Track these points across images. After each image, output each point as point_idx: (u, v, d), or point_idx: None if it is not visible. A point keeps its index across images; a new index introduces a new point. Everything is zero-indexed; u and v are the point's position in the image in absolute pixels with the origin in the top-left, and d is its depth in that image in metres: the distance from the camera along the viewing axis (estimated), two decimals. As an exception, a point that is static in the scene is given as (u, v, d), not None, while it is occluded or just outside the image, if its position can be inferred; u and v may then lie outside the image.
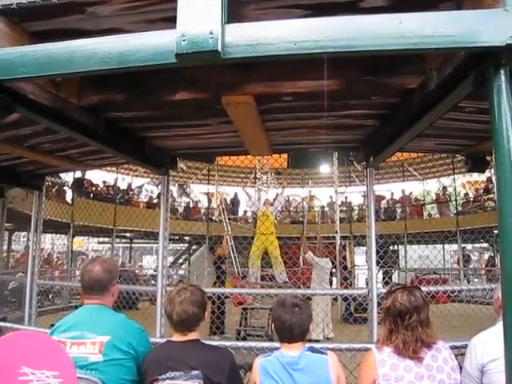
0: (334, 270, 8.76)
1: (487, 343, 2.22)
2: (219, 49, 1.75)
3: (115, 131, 3.31)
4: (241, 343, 3.27)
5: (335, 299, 10.11)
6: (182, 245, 21.82)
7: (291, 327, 2.14)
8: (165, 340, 2.38)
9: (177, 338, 2.19)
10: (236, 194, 20.33)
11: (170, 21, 1.86)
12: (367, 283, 4.09)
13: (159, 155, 4.10)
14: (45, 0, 2.05)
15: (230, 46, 1.79)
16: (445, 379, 2.06)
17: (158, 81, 2.72)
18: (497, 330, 2.09)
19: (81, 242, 19.12)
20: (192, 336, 2.17)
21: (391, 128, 3.09)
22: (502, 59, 1.75)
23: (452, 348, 2.31)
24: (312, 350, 2.18)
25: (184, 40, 1.79)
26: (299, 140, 3.86)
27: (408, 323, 2.11)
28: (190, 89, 2.74)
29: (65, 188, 15.10)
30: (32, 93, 2.46)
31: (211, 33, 1.77)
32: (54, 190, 13.74)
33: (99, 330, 2.11)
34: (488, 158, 4.00)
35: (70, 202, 14.69)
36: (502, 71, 1.76)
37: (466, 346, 2.43)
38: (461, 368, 2.28)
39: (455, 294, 12.36)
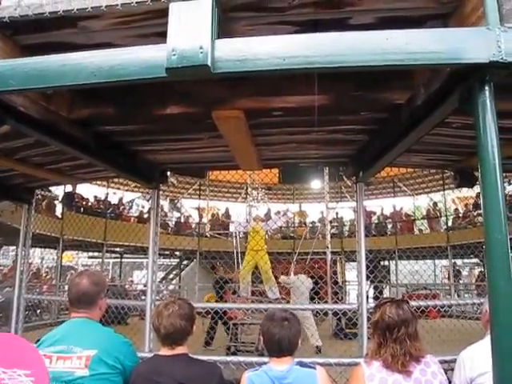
0: (314, 286, 8.88)
1: (476, 357, 2.22)
2: (209, 63, 1.78)
3: (106, 145, 3.32)
4: (229, 358, 3.25)
5: (325, 314, 10.10)
6: (172, 260, 21.67)
7: (280, 341, 2.13)
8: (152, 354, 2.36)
9: (164, 351, 2.17)
10: (227, 209, 20.28)
11: (162, 35, 1.89)
12: (358, 298, 4.09)
13: (150, 169, 4.10)
14: (37, 14, 2.07)
15: (220, 60, 1.82)
16: None
17: (148, 95, 2.74)
18: (485, 344, 2.09)
19: (70, 257, 18.92)
20: (180, 350, 2.15)
21: (380, 143, 3.13)
22: (486, 75, 1.80)
23: (441, 362, 2.31)
24: (301, 364, 2.16)
25: (174, 54, 1.81)
26: (289, 155, 3.89)
27: (396, 336, 2.11)
28: (181, 103, 2.76)
29: (55, 202, 14.97)
30: (22, 105, 2.47)
31: (201, 47, 1.80)
32: (43, 203, 13.62)
33: (86, 344, 2.08)
34: (476, 174, 4.05)
35: (59, 216, 14.54)
36: (486, 87, 1.81)
37: (455, 361, 2.43)
38: (450, 383, 2.28)
39: (445, 309, 12.41)
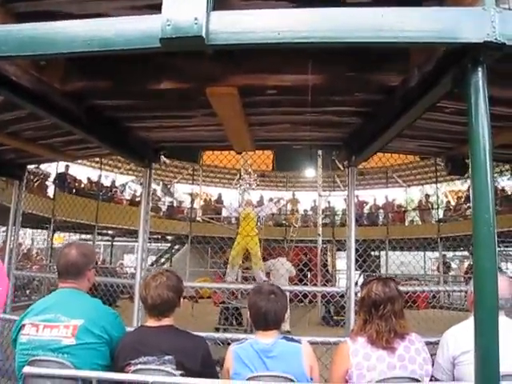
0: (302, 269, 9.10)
1: (459, 336, 2.26)
2: (203, 35, 1.77)
3: (99, 119, 3.30)
4: (217, 335, 3.27)
5: (314, 296, 10.26)
6: (164, 244, 21.70)
7: (266, 314, 2.15)
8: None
9: (151, 323, 2.18)
10: (220, 195, 20.29)
11: (155, 8, 1.87)
12: (346, 282, 4.12)
13: (143, 147, 4.08)
14: (30, -19, 2.04)
15: (215, 32, 1.80)
16: (416, 370, 2.09)
17: (143, 69, 2.72)
18: (469, 324, 2.13)
19: (61, 239, 18.85)
20: (166, 321, 2.16)
21: (373, 126, 3.14)
22: (479, 56, 1.80)
23: (427, 344, 2.34)
24: (286, 338, 2.19)
25: (169, 25, 1.80)
26: (283, 136, 3.88)
27: (382, 313, 2.14)
28: (175, 79, 2.74)
29: (47, 183, 14.89)
30: (14, 74, 2.44)
31: (196, 19, 1.78)
32: (35, 183, 13.54)
33: (73, 314, 2.08)
34: (467, 162, 4.08)
35: (51, 196, 14.47)
36: (479, 68, 1.81)
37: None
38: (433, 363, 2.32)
39: (436, 299, 12.53)
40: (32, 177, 12.72)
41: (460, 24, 1.77)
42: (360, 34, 1.79)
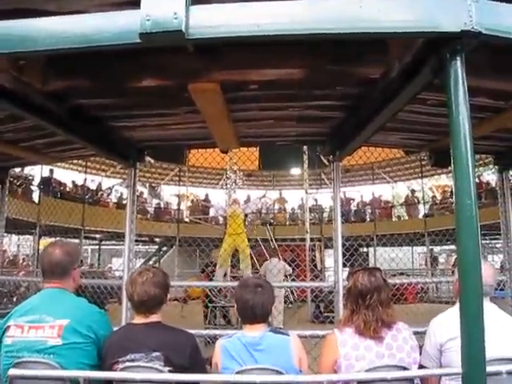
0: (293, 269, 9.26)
1: (446, 323, 2.28)
2: (183, 29, 1.77)
3: (81, 119, 3.26)
4: (205, 331, 3.27)
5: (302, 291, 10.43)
6: (152, 246, 21.58)
7: (253, 307, 2.15)
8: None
9: (138, 320, 2.17)
10: (207, 196, 20.24)
11: (135, 4, 1.86)
12: (334, 276, 4.14)
13: (127, 147, 4.05)
14: (6, -22, 2.02)
15: (194, 27, 1.81)
16: (404, 358, 2.11)
17: (123, 67, 2.69)
18: (455, 311, 2.14)
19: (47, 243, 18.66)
20: (153, 318, 2.15)
21: (356, 120, 3.16)
22: (457, 45, 1.82)
23: (414, 333, 2.36)
24: (274, 331, 2.19)
25: (148, 20, 1.80)
26: (267, 132, 3.89)
27: (369, 303, 2.15)
28: (157, 76, 2.73)
29: (31, 187, 14.72)
30: (-7, 75, 2.41)
31: (175, 13, 1.79)
32: (19, 187, 13.38)
33: (58, 314, 2.06)
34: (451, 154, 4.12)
35: (36, 201, 14.31)
36: (458, 57, 1.85)
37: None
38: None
39: (423, 291, 12.62)
40: (16, 181, 12.57)
41: (438, 14, 1.80)
42: (339, 25, 1.81)
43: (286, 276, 9.09)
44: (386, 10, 1.80)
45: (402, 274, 15.79)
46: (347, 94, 2.94)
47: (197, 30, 1.81)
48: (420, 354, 2.29)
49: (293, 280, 9.00)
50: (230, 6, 1.89)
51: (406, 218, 18.77)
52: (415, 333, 2.46)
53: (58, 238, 16.80)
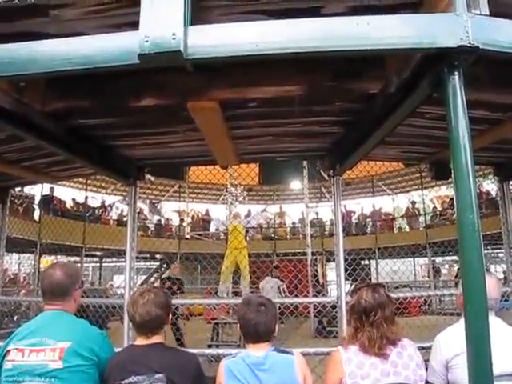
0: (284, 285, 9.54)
1: (451, 339, 2.26)
2: (182, 49, 1.79)
3: (81, 139, 3.27)
4: (208, 351, 3.24)
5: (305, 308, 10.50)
6: (153, 263, 21.52)
7: (256, 326, 2.13)
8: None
9: (140, 341, 2.14)
10: (208, 211, 20.24)
11: (134, 26, 1.88)
12: (337, 290, 4.11)
13: (127, 165, 4.06)
14: (6, 1, 2.04)
15: (193, 46, 1.82)
16: (410, 375, 2.08)
17: (123, 87, 2.72)
18: (460, 326, 2.12)
19: (49, 262, 18.57)
20: (155, 339, 2.12)
21: (355, 134, 3.17)
22: (455, 60, 1.83)
23: (419, 349, 2.33)
24: (278, 350, 2.17)
25: (147, 41, 1.81)
26: (267, 148, 3.89)
27: (373, 320, 2.13)
28: (156, 95, 2.75)
29: (33, 205, 14.72)
30: (-5, 97, 2.42)
31: (174, 34, 1.80)
32: (20, 206, 13.38)
33: (59, 336, 2.03)
34: (451, 165, 4.12)
35: (37, 219, 14.30)
36: (455, 72, 1.85)
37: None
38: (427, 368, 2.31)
39: (427, 304, 12.53)
40: (17, 200, 12.57)
41: (435, 30, 1.82)
42: (337, 43, 1.82)
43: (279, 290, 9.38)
44: (383, 28, 1.82)
45: (405, 286, 15.74)
46: (346, 109, 2.96)
47: (195, 49, 1.82)
48: (426, 370, 2.26)
49: (295, 296, 8.99)
50: (228, 25, 1.91)
51: (408, 229, 18.74)
52: (420, 348, 2.43)
53: (58, 257, 16.85)
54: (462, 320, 2.03)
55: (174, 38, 1.79)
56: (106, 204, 19.17)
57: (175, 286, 7.41)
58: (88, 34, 2.16)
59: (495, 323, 2.20)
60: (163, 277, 9.54)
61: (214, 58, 1.85)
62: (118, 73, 2.27)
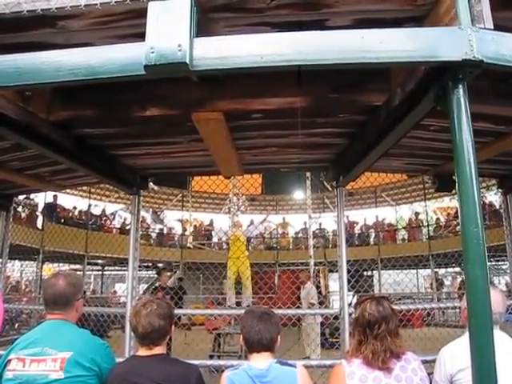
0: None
1: (455, 353, 2.24)
2: (187, 61, 1.79)
3: (86, 148, 3.29)
4: (210, 362, 3.21)
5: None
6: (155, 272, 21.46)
7: (260, 332, 2.12)
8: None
9: (142, 352, 2.13)
10: (212, 221, 20.22)
11: (140, 36, 1.89)
12: (340, 302, 4.09)
13: (130, 174, 4.07)
14: (15, 12, 2.05)
15: (198, 58, 1.83)
16: None
17: (128, 97, 2.74)
18: (464, 340, 2.10)
19: (51, 270, 18.58)
20: (157, 350, 2.11)
21: (359, 146, 3.16)
22: (459, 74, 1.84)
23: (423, 362, 2.31)
24: (281, 362, 2.15)
25: (153, 52, 1.82)
26: (270, 159, 3.90)
27: (377, 333, 2.11)
28: (161, 105, 2.76)
29: (36, 213, 14.75)
30: (1, 106, 2.43)
31: (179, 46, 1.81)
32: (23, 214, 13.41)
33: (61, 346, 2.03)
34: (454, 178, 4.12)
35: (40, 227, 14.31)
36: (460, 85, 1.85)
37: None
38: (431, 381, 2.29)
39: (430, 316, 12.44)
40: (20, 208, 12.60)
41: (439, 43, 1.82)
42: (341, 56, 1.82)
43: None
44: (388, 41, 1.82)
45: (408, 297, 15.65)
46: (350, 121, 2.96)
47: (201, 61, 1.83)
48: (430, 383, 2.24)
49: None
50: (234, 37, 1.93)
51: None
52: (424, 361, 2.41)
53: (61, 264, 16.84)
54: (467, 334, 2.01)
55: (179, 50, 1.80)
56: (108, 213, 19.17)
57: (169, 295, 7.35)
58: (95, 45, 2.18)
59: (500, 337, 2.18)
60: (152, 287, 9.44)
61: (219, 69, 1.86)
62: (123, 83, 2.28)
